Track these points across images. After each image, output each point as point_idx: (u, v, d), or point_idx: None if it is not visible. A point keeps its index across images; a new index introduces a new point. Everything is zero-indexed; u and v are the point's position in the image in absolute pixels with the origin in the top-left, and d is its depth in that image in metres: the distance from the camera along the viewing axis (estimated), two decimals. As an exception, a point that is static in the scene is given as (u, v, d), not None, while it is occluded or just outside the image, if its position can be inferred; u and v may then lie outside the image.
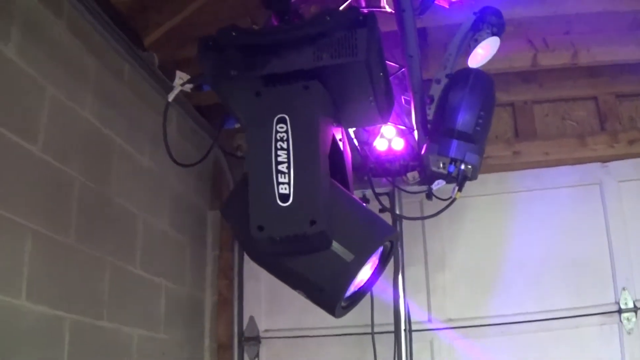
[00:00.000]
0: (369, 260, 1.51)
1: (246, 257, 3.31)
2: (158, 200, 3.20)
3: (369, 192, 2.84)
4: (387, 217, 2.89)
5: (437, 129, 2.23)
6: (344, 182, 1.63)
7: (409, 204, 3.35)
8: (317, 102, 1.44)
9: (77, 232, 2.42)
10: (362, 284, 1.59)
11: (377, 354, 3.02)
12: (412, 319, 3.12)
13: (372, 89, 1.52)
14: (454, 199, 2.12)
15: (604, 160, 3.62)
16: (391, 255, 1.61)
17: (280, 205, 1.36)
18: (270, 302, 3.69)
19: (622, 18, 3.25)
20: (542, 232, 3.55)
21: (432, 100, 2.32)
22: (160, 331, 3.11)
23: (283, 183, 1.36)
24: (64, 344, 2.29)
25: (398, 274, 2.91)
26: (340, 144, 1.64)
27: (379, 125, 2.69)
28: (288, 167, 1.37)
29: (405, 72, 1.98)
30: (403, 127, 2.32)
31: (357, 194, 3.04)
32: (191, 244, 3.59)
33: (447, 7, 1.90)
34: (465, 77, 2.24)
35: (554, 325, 3.40)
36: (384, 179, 2.78)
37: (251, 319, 3.71)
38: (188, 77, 1.61)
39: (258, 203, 1.38)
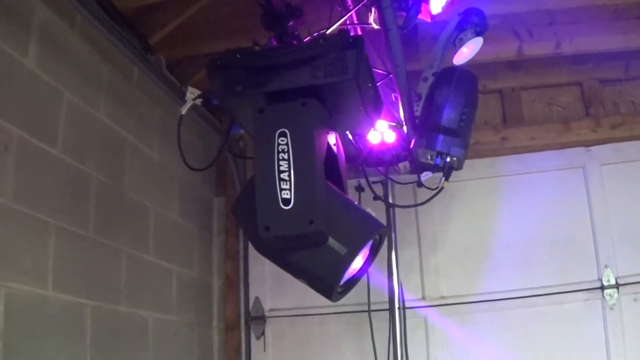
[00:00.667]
0: (360, 252, 1.68)
1: (250, 242, 3.45)
2: (167, 192, 3.30)
3: (363, 181, 2.99)
4: (381, 205, 3.04)
5: (424, 125, 2.35)
6: (339, 182, 1.80)
7: (401, 189, 3.34)
8: (314, 117, 1.60)
9: (95, 226, 2.54)
10: (355, 272, 1.77)
11: (374, 330, 3.16)
12: (407, 298, 3.21)
13: (361, 100, 1.68)
14: (442, 188, 2.25)
15: (588, 144, 3.69)
16: (380, 247, 1.78)
17: (283, 208, 1.53)
18: (275, 284, 3.77)
19: (604, 8, 3.28)
20: (528, 214, 3.63)
21: (419, 97, 2.42)
22: (173, 313, 3.22)
23: (285, 189, 1.53)
24: (87, 328, 2.44)
25: (391, 256, 3.08)
26: (334, 148, 1.80)
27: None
28: (289, 175, 1.54)
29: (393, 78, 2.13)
30: (394, 124, 2.48)
31: (352, 183, 3.23)
32: (199, 230, 3.68)
33: (430, 21, 2.04)
34: (450, 76, 2.35)
35: (540, 301, 3.50)
36: (377, 169, 2.92)
37: (257, 299, 3.82)
38: (199, 92, 1.78)
39: (264, 206, 1.55)
